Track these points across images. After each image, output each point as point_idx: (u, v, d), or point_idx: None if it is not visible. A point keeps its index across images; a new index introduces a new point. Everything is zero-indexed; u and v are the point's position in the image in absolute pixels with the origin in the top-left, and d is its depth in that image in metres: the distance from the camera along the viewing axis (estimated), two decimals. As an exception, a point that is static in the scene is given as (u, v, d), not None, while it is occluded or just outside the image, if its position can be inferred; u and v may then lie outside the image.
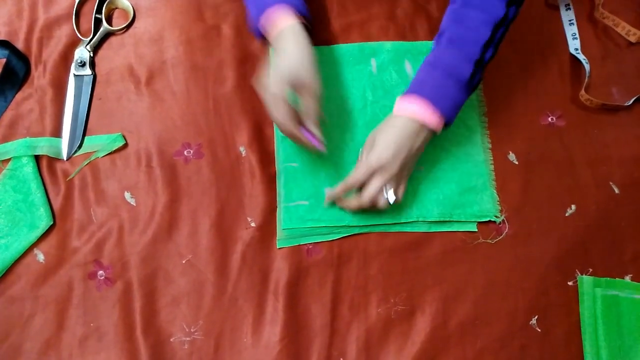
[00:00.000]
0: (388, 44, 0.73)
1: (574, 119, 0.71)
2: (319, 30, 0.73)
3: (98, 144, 0.68)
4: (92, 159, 0.68)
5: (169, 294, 0.64)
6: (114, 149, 0.68)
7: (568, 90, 0.73)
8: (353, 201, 0.63)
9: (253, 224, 0.66)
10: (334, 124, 0.69)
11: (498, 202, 0.67)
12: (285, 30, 0.62)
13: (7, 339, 0.62)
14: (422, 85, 0.62)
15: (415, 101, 0.61)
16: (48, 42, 0.72)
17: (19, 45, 0.72)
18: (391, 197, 0.62)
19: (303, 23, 0.63)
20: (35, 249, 0.65)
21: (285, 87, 0.59)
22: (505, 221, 0.67)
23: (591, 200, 0.68)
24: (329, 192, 0.65)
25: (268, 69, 0.62)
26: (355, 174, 0.62)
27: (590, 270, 0.66)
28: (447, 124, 0.63)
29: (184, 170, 0.68)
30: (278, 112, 0.59)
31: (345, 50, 0.72)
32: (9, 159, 0.67)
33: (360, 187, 0.63)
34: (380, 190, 0.62)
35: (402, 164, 0.62)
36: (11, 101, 0.70)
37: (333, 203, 0.66)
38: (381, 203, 0.62)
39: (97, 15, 0.72)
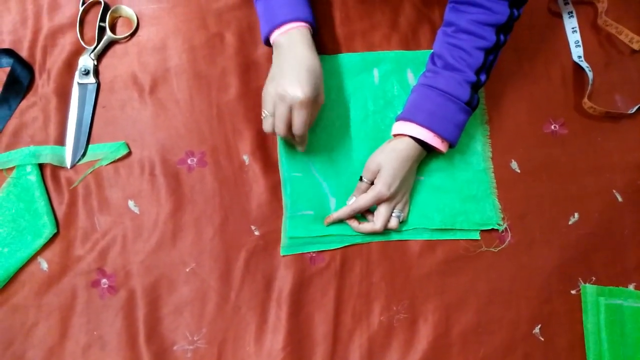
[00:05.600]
0: (390, 54, 0.73)
1: (577, 126, 0.71)
2: (321, 39, 0.73)
3: (102, 152, 0.69)
4: (95, 167, 0.68)
5: (172, 302, 0.64)
6: (118, 157, 0.68)
7: (571, 98, 0.73)
8: (367, 227, 0.64)
9: (257, 232, 0.66)
10: (335, 134, 0.69)
11: (500, 210, 0.67)
12: (295, 33, 0.61)
13: (10, 347, 0.62)
14: (422, 108, 0.63)
15: (417, 124, 0.62)
16: (52, 50, 0.72)
17: (24, 53, 0.72)
18: (402, 217, 0.65)
19: (309, 30, 0.63)
20: (38, 257, 0.65)
21: (314, 91, 0.58)
22: (508, 229, 0.67)
23: (594, 209, 0.68)
24: (334, 214, 0.65)
25: (273, 70, 0.60)
26: (363, 202, 0.63)
27: (594, 278, 0.66)
28: (451, 144, 0.64)
29: (188, 178, 0.68)
30: (304, 117, 0.58)
31: (347, 59, 0.72)
32: (13, 167, 0.67)
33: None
34: (390, 215, 0.64)
35: (408, 187, 0.65)
36: (15, 109, 0.70)
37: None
38: (393, 224, 0.64)
39: (101, 24, 0.73)
